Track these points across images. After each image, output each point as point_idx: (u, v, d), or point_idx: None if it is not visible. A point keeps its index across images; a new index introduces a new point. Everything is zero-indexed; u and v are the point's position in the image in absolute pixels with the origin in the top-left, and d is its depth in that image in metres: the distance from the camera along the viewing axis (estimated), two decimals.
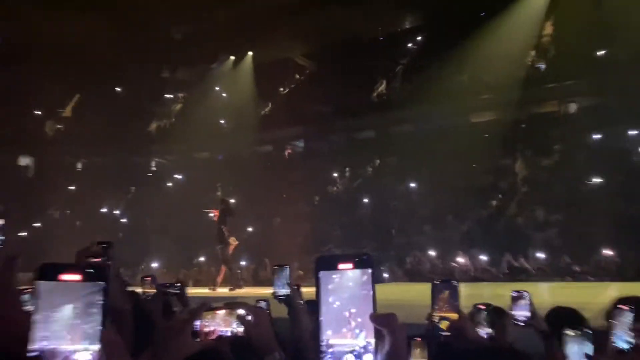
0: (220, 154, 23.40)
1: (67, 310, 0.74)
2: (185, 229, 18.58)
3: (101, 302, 0.75)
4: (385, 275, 14.09)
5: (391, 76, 21.32)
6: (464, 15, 18.17)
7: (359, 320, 0.84)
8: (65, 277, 0.74)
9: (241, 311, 1.64)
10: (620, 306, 2.34)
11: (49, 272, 0.74)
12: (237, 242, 12.03)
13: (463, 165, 16.85)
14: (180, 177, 23.19)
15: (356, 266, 0.89)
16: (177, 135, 22.24)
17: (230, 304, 1.68)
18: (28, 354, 0.72)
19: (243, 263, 16.25)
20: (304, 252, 16.06)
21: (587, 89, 17.04)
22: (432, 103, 18.10)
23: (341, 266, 0.88)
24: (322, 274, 0.87)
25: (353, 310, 0.84)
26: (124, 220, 22.37)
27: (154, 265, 17.48)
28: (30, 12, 15.57)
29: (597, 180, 14.84)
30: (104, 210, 22.95)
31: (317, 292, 0.87)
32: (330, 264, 0.88)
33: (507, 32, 17.49)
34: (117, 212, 22.96)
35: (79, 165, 25.23)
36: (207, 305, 1.68)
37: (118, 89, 24.35)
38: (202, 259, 17.69)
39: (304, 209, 19.01)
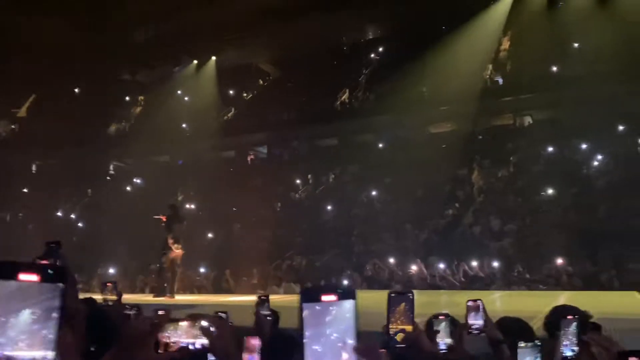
0: (181, 158, 23.14)
1: (25, 313, 0.69)
2: (143, 235, 18.24)
3: (59, 305, 0.71)
4: (345, 282, 14.20)
5: (354, 85, 21.57)
6: (426, 28, 18.61)
7: (345, 351, 0.86)
8: (24, 277, 0.69)
9: (204, 322, 1.66)
10: (568, 317, 2.49)
11: (6, 271, 0.70)
12: (181, 251, 11.61)
13: (422, 175, 17.19)
14: (139, 181, 22.78)
15: (340, 297, 0.91)
16: (137, 139, 21.83)
17: (193, 315, 1.70)
18: None
19: (202, 270, 16.07)
20: (265, 259, 16.04)
21: (542, 102, 17.71)
22: (394, 113, 18.43)
23: (324, 298, 0.90)
24: (305, 305, 0.90)
25: (341, 342, 0.86)
26: (80, 224, 21.81)
27: (111, 271, 17.10)
28: None
29: (550, 191, 15.38)
30: (59, 213, 22.32)
31: (301, 324, 0.89)
32: (314, 296, 0.91)
33: (467, 46, 18.00)
34: (72, 215, 22.37)
35: (34, 167, 24.50)
36: (168, 317, 1.69)
37: (76, 90, 23.76)
38: (158, 264, 17.38)
39: (266, 215, 18.96)
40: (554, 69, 17.99)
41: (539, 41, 17.60)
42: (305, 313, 0.89)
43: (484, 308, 2.89)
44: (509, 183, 16.50)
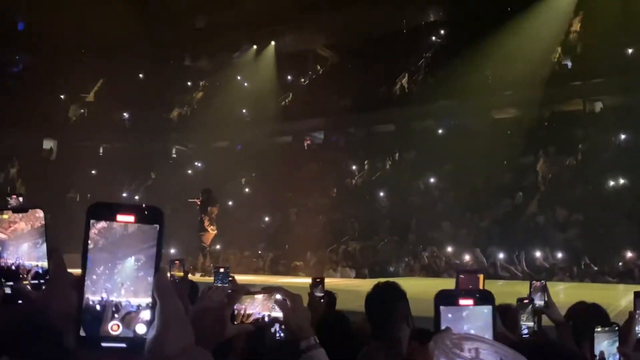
0: (240, 143, 23.48)
1: (127, 257, 0.70)
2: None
3: (156, 247, 0.71)
4: (401, 269, 14.07)
5: (413, 70, 21.15)
6: (489, 10, 17.93)
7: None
8: (121, 217, 0.70)
9: (279, 296, 1.65)
10: None
11: (104, 212, 0.70)
12: (215, 232, 12.39)
13: (484, 163, 16.68)
14: (199, 165, 23.34)
15: (476, 302, 0.89)
16: (198, 124, 22.36)
17: (268, 289, 1.69)
18: (87, 304, 0.68)
19: (260, 252, 16.33)
20: (321, 243, 16.10)
21: (614, 87, 16.73)
22: (455, 98, 17.95)
23: (462, 302, 0.89)
24: (443, 309, 0.89)
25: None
26: (144, 205, 22.60)
27: (172, 251, 17.64)
28: None
29: (621, 181, 14.58)
30: (124, 194, 23.21)
31: (437, 326, 0.88)
32: (451, 300, 0.90)
33: (533, 28, 17.22)
34: (136, 197, 23.21)
35: (101, 150, 25.56)
36: (245, 289, 1.70)
37: (140, 76, 24.52)
38: (218, 246, 17.79)
39: (322, 201, 19.01)
40: (629, 51, 16.95)
41: (613, 22, 16.60)
42: (441, 316, 0.88)
43: (546, 289, 2.82)
44: (576, 172, 15.75)
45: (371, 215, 17.63)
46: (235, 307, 1.57)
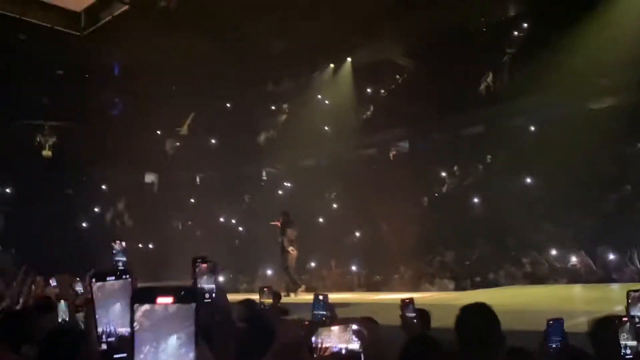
0: (324, 160, 23.72)
1: (170, 336, 0.75)
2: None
3: (194, 324, 0.75)
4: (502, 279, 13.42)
5: (498, 67, 20.30)
6: None
7: None
8: (161, 300, 0.76)
9: (355, 326, 1.65)
10: None
11: (146, 296, 0.76)
12: (296, 252, 13.06)
13: (583, 157, 15.59)
14: (289, 184, 23.87)
15: None
16: (284, 145, 22.90)
17: (344, 320, 1.69)
18: None
19: (353, 268, 16.30)
20: (415, 255, 15.78)
21: None
22: (544, 92, 16.97)
23: None
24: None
25: None
26: (240, 228, 23.45)
27: (269, 272, 18.08)
28: (139, 37, 16.85)
29: None
30: (221, 219, 24.22)
31: None
32: None
33: (626, 8, 15.93)
34: (233, 221, 24.11)
35: (197, 179, 26.90)
36: (322, 322, 1.71)
37: (228, 105, 25.58)
38: (313, 264, 18.00)
39: (413, 211, 18.67)
40: None
41: None
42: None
43: None
44: None
45: (466, 222, 17.05)
46: (312, 339, 1.58)
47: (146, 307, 0.76)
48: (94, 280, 1.06)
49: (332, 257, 17.41)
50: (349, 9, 17.44)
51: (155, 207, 24.51)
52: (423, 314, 5.20)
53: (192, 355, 0.74)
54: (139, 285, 0.81)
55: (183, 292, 0.76)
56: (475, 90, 20.04)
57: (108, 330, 1.06)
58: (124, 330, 1.07)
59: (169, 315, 0.76)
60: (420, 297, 11.50)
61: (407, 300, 4.29)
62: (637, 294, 2.57)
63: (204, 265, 2.14)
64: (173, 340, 0.75)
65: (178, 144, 26.12)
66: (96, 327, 1.05)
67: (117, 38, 17.38)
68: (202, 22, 17.71)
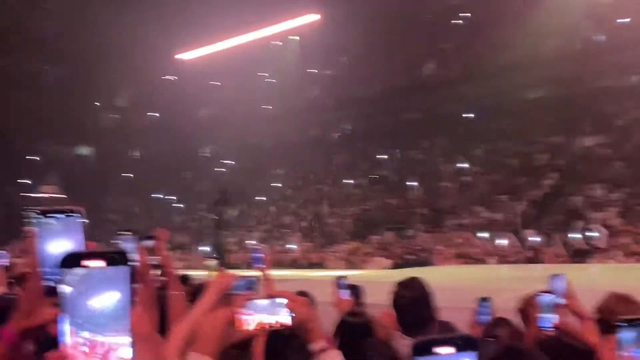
0: (270, 139, 23.62)
1: (102, 297, 0.74)
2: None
3: (127, 287, 0.74)
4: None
5: (438, 56, 20.77)
6: None
7: None
8: (90, 263, 0.74)
9: (284, 300, 1.60)
10: None
11: (74, 260, 0.75)
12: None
13: (517, 144, 16.31)
14: (231, 162, 23.67)
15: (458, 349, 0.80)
16: (227, 122, 22.60)
17: (272, 293, 1.67)
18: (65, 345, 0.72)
19: (293, 246, 16.41)
20: (354, 235, 16.03)
21: None
22: (482, 81, 17.54)
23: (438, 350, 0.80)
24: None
25: None
26: (180, 205, 23.05)
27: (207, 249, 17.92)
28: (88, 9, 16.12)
29: None
30: (159, 195, 23.70)
31: None
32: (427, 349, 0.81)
33: (561, 4, 16.62)
34: (174, 197, 23.64)
35: (137, 154, 26.17)
36: (248, 295, 1.68)
37: (170, 78, 24.89)
38: (252, 241, 17.99)
39: (353, 192, 18.93)
40: None
41: None
42: None
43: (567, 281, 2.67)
44: (613, 149, 15.23)
45: (404, 203, 17.49)
46: (240, 311, 1.55)
47: (77, 270, 0.74)
48: (38, 216, 1.02)
49: (272, 234, 17.47)
50: None
51: (90, 180, 23.65)
52: (356, 290, 5.33)
53: (127, 316, 0.74)
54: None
55: (115, 255, 0.76)
56: (417, 77, 20.44)
57: (52, 268, 1.04)
58: None
59: (103, 278, 0.75)
60: (355, 274, 11.76)
61: (342, 277, 4.40)
62: (557, 275, 2.74)
63: (128, 234, 2.11)
64: (107, 301, 0.74)
65: (116, 116, 25.26)
66: (40, 265, 1.02)
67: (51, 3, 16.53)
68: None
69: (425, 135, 20.14)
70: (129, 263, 0.75)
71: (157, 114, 25.23)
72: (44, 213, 0.97)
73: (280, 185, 20.69)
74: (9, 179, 22.23)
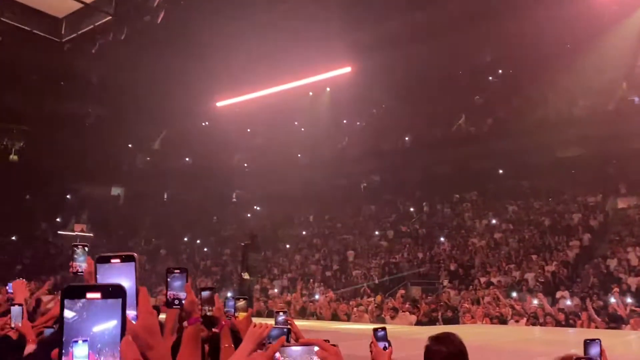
0: (298, 187, 23.78)
1: (98, 325, 0.85)
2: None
3: (120, 317, 0.85)
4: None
5: (471, 110, 20.87)
6: (548, 48, 17.50)
7: None
8: (90, 295, 0.85)
9: (317, 348, 1.65)
10: None
11: (77, 292, 0.86)
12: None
13: (549, 202, 16.04)
14: (258, 208, 23.78)
15: None
16: (258, 169, 22.89)
17: (306, 341, 1.69)
18: None
19: (317, 297, 16.17)
20: (378, 287, 15.78)
21: None
22: (514, 138, 17.46)
23: None
24: None
25: None
26: (205, 249, 23.15)
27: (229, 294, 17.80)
28: (119, 49, 16.83)
29: None
30: (184, 239, 23.86)
31: None
32: None
33: (595, 64, 16.64)
34: (198, 241, 23.79)
35: (165, 196, 26.57)
36: (281, 342, 1.70)
37: (204, 124, 25.52)
38: (275, 290, 17.84)
39: (379, 243, 18.75)
40: None
41: None
42: None
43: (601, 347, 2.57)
44: None
45: (431, 258, 17.20)
46: (276, 358, 1.58)
47: (77, 301, 0.84)
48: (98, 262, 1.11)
49: (296, 283, 17.29)
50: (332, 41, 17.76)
51: (120, 221, 24.04)
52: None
53: (118, 341, 0.84)
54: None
55: (110, 289, 0.85)
56: (448, 131, 20.51)
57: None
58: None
59: (98, 309, 0.85)
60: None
61: (380, 329, 4.35)
62: (590, 342, 2.67)
63: (178, 272, 2.17)
64: (102, 328, 0.84)
65: (149, 159, 25.84)
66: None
67: (97, 48, 17.26)
68: (182, 41, 17.76)
69: (455, 190, 20.01)
70: (123, 296, 0.85)
71: (190, 159, 25.74)
72: (103, 260, 1.04)
73: (305, 233, 20.64)
74: (45, 217, 22.82)
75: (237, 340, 2.77)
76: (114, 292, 0.86)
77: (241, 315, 4.30)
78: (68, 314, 0.85)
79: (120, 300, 0.86)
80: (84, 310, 0.85)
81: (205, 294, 2.58)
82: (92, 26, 15.90)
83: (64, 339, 0.84)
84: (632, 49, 17.11)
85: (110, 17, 15.43)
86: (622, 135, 16.58)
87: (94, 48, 16.94)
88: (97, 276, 1.02)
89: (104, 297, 0.85)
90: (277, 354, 1.48)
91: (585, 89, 16.48)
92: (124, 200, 26.40)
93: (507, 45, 19.05)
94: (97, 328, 0.85)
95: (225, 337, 2.51)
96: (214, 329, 3.13)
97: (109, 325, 0.85)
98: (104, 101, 22.20)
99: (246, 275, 12.07)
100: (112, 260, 1.03)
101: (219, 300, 2.62)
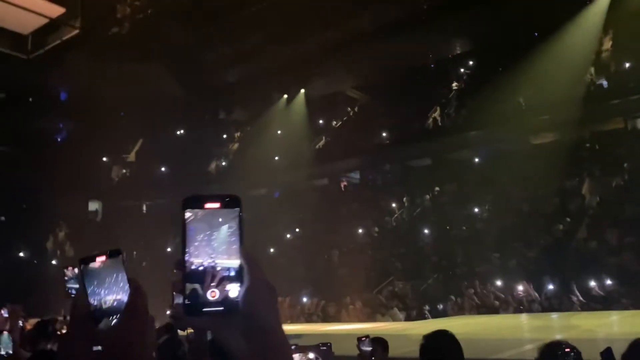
0: (277, 190, 23.68)
1: (219, 232, 0.88)
2: None
3: (238, 224, 0.89)
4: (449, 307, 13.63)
5: (445, 102, 21.05)
6: (516, 37, 17.76)
7: None
8: (209, 205, 0.89)
9: (311, 355, 1.68)
10: None
11: (196, 203, 0.90)
12: None
13: (526, 189, 16.26)
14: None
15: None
16: (235, 174, 22.73)
17: (302, 348, 1.70)
18: (190, 269, 0.86)
19: (305, 299, 16.16)
20: (366, 286, 15.85)
21: None
22: (490, 127, 17.69)
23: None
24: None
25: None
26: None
27: None
28: (94, 65, 16.56)
29: None
30: (168, 249, 23.56)
31: None
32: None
33: (563, 50, 16.94)
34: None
35: (144, 208, 26.19)
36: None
37: (178, 133, 25.26)
38: None
39: (363, 241, 18.82)
40: None
41: None
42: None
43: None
44: (625, 192, 15.15)
45: (415, 252, 17.32)
46: None
47: (196, 210, 0.89)
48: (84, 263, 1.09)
49: (284, 287, 17.24)
50: (302, 41, 17.75)
51: (98, 236, 23.62)
52: (382, 343, 5.36)
53: (237, 245, 0.87)
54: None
55: (228, 199, 0.90)
56: (423, 124, 20.65)
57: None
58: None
59: (217, 217, 0.89)
60: (372, 327, 11.52)
61: (363, 338, 4.56)
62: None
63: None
64: (225, 229, 0.88)
65: (125, 171, 25.46)
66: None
67: (65, 63, 16.94)
68: (153, 49, 17.53)
69: (435, 182, 20.16)
70: (240, 205, 0.90)
71: (166, 168, 25.45)
72: (86, 261, 1.02)
73: (289, 236, 20.59)
74: (19, 234, 22.28)
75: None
76: (232, 201, 0.90)
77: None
78: (189, 222, 0.89)
79: (237, 209, 0.89)
80: (201, 217, 0.89)
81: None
82: (59, 41, 15.58)
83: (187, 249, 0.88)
84: (597, 35, 17.47)
85: (77, 31, 15.15)
86: (593, 118, 16.92)
87: (62, 62, 16.67)
88: (85, 278, 0.99)
89: (223, 207, 0.89)
90: None
91: (555, 76, 16.74)
92: (102, 215, 25.97)
93: (477, 39, 19.31)
94: (220, 228, 0.88)
95: None
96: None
97: (225, 232, 0.88)
98: (75, 115, 21.80)
99: None
100: (98, 259, 1.01)
101: None
